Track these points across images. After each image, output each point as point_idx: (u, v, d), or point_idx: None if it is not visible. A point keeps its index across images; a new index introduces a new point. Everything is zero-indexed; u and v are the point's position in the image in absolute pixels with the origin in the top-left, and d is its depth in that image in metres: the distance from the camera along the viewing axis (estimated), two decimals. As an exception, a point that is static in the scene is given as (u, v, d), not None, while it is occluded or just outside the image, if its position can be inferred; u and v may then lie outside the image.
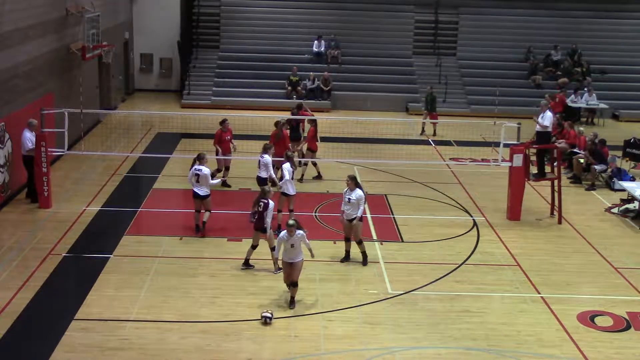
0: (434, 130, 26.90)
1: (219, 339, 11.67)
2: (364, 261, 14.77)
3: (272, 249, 14.11)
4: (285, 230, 12.76)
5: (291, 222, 12.82)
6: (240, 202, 18.02)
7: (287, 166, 16.23)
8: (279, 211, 16.22)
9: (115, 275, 13.93)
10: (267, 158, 16.97)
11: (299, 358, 11.23)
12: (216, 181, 17.06)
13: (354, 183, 14.66)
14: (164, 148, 23.18)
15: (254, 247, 14.28)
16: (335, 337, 11.93)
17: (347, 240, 14.91)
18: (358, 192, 14.58)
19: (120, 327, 11.93)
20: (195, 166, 15.80)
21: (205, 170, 15.80)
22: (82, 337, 11.58)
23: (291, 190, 16.22)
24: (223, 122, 19.50)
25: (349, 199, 14.59)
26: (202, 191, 15.81)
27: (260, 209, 13.99)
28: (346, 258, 14.92)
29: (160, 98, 32.13)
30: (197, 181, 15.79)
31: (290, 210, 16.35)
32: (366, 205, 18.24)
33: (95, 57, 25.27)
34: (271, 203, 14.13)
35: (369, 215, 17.60)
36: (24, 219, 16.81)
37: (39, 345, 11.38)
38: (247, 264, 14.35)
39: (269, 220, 14.03)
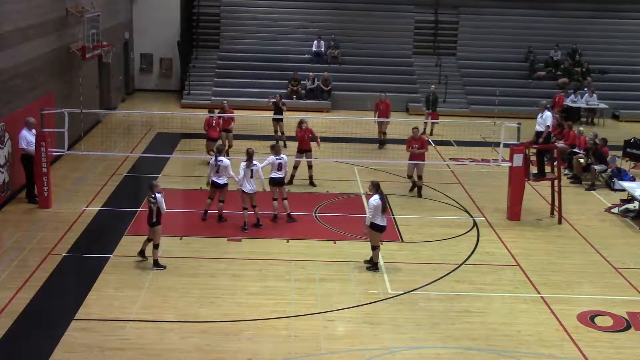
0: (431, 130, 26.91)
1: (219, 339, 11.66)
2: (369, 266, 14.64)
3: (156, 246, 14.27)
4: None
5: None
6: (240, 202, 18.02)
7: (242, 165, 16.31)
8: (244, 208, 16.43)
9: (115, 275, 13.92)
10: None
11: (299, 358, 11.23)
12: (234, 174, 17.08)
13: (374, 189, 14.30)
14: (163, 148, 23.16)
15: (149, 239, 14.43)
16: (335, 337, 11.93)
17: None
18: (371, 199, 14.22)
19: (120, 327, 11.92)
20: (218, 157, 16.60)
21: (226, 161, 16.64)
22: (82, 337, 11.57)
23: (247, 188, 16.28)
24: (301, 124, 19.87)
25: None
26: (221, 180, 16.65)
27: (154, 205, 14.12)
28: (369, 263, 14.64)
29: (160, 98, 32.12)
30: (217, 171, 16.60)
31: (254, 206, 16.49)
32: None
33: (95, 57, 25.26)
34: (158, 195, 14.16)
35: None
36: (24, 219, 16.80)
37: (39, 345, 11.37)
38: (142, 254, 14.48)
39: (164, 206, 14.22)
